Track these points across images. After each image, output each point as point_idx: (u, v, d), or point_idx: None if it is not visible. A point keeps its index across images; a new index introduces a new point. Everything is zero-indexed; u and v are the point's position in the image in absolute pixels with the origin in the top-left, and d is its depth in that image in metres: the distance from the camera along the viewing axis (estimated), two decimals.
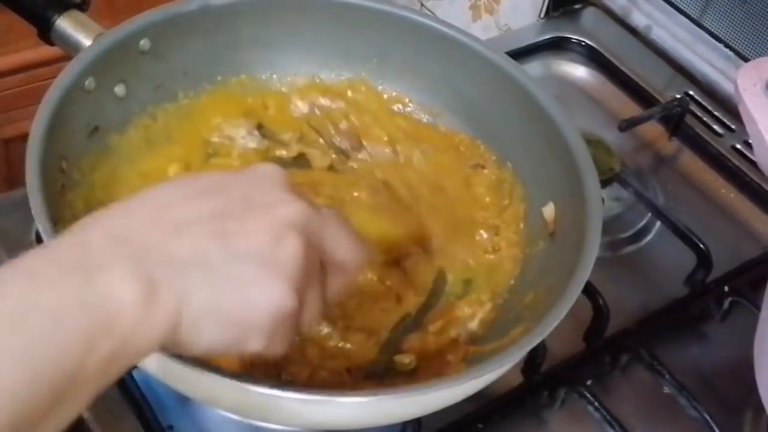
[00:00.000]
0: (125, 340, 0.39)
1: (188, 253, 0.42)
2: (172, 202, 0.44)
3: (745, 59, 0.94)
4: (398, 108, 0.77)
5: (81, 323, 0.37)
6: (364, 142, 0.75)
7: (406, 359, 0.63)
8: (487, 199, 0.73)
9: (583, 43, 1.01)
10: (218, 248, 0.42)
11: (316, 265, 0.47)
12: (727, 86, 0.95)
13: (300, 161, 0.74)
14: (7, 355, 0.35)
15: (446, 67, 0.75)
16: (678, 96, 0.94)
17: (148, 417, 0.63)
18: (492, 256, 0.70)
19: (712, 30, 0.97)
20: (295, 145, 0.75)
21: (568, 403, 0.69)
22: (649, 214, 0.83)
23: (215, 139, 0.73)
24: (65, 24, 0.67)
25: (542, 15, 1.05)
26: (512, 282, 0.68)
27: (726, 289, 0.77)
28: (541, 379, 0.69)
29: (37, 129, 0.58)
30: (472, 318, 0.66)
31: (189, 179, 0.47)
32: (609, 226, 0.77)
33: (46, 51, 1.00)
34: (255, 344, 0.44)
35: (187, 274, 0.41)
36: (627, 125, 0.89)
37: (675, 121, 0.92)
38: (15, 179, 1.35)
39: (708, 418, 0.68)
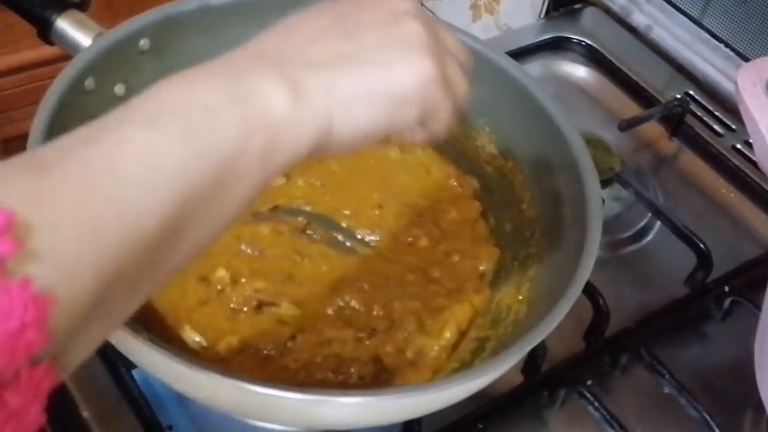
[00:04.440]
0: (279, 133, 0.40)
1: (324, 54, 0.44)
2: (299, 24, 0.46)
3: (745, 59, 0.94)
4: None
5: (235, 114, 0.39)
6: None
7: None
8: None
9: (583, 43, 1.01)
10: (350, 44, 0.44)
11: (442, 48, 0.47)
12: (727, 86, 0.95)
13: None
14: (172, 137, 0.37)
15: None
16: (678, 96, 0.94)
17: (147, 417, 0.63)
18: None
19: (713, 30, 0.97)
20: None
21: (568, 403, 0.69)
22: (649, 214, 0.83)
23: None
24: (65, 24, 0.67)
25: (542, 15, 1.05)
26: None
27: (726, 289, 0.77)
28: (541, 379, 0.69)
29: (37, 129, 0.58)
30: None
31: (309, 11, 0.48)
32: (609, 226, 0.77)
33: (45, 51, 1.01)
34: (409, 115, 0.45)
35: (329, 69, 0.43)
36: (627, 125, 0.89)
37: (675, 121, 0.92)
38: None
39: (708, 418, 0.68)
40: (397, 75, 0.44)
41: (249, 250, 0.68)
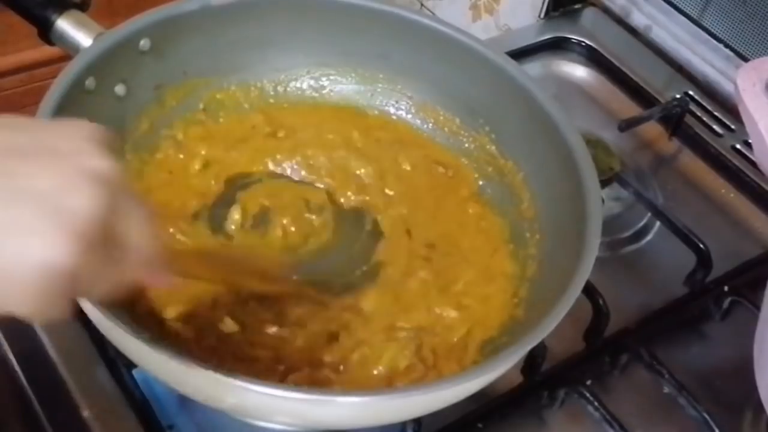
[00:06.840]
0: None
1: None
2: None
3: (745, 59, 0.94)
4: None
5: None
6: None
7: None
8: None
9: (583, 43, 1.01)
10: None
11: (114, 235, 0.40)
12: (727, 86, 0.96)
13: None
14: None
15: (446, 67, 0.75)
16: (678, 96, 0.94)
17: (148, 417, 0.63)
18: None
19: (712, 30, 0.97)
20: None
21: (568, 403, 0.70)
22: (649, 214, 0.83)
23: None
24: (65, 24, 0.67)
25: (542, 15, 1.05)
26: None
27: (726, 289, 0.77)
28: (541, 379, 0.69)
29: None
30: None
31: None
32: (609, 226, 0.77)
33: (46, 51, 1.00)
34: (15, 303, 0.37)
35: None
36: (627, 125, 0.89)
37: (675, 121, 0.92)
38: None
39: (708, 418, 0.68)
40: (18, 251, 0.36)
41: None
